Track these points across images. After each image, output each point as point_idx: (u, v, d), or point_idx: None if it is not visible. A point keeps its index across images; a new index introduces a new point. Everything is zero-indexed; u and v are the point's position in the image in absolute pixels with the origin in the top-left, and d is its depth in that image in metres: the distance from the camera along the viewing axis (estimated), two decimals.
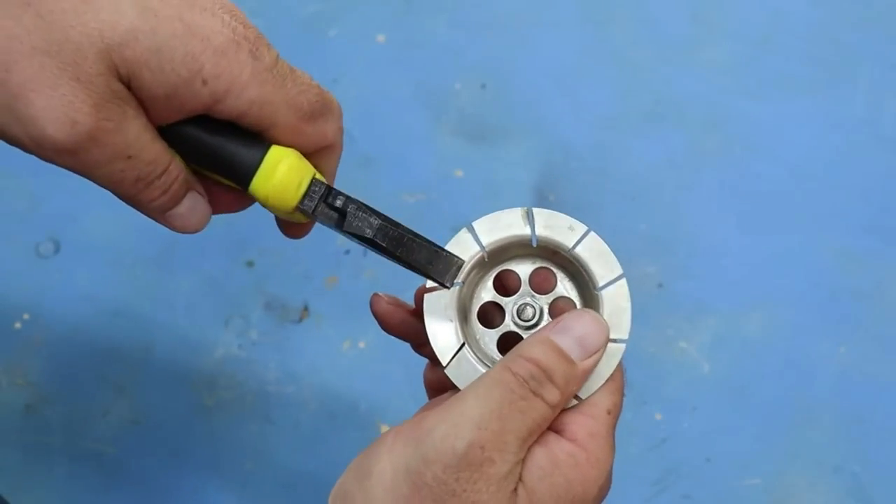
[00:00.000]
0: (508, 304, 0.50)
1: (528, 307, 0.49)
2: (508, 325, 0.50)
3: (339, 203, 0.49)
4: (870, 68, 0.93)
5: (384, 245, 0.49)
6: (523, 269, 0.50)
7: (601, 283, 0.49)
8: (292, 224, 0.53)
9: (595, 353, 0.46)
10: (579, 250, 0.49)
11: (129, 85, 0.45)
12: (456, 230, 0.51)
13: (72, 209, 0.86)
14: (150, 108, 0.46)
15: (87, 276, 0.85)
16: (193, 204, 0.49)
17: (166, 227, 0.50)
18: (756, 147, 0.90)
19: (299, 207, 0.48)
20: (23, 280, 0.84)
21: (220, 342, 0.83)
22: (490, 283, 0.50)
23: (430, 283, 0.49)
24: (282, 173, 0.48)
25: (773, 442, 0.80)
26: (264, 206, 0.49)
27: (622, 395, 0.47)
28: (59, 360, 0.82)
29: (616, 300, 0.48)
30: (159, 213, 0.49)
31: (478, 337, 0.50)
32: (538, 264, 0.50)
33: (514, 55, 0.94)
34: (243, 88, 0.46)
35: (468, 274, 0.49)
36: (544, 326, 0.47)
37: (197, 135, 0.47)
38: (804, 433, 0.80)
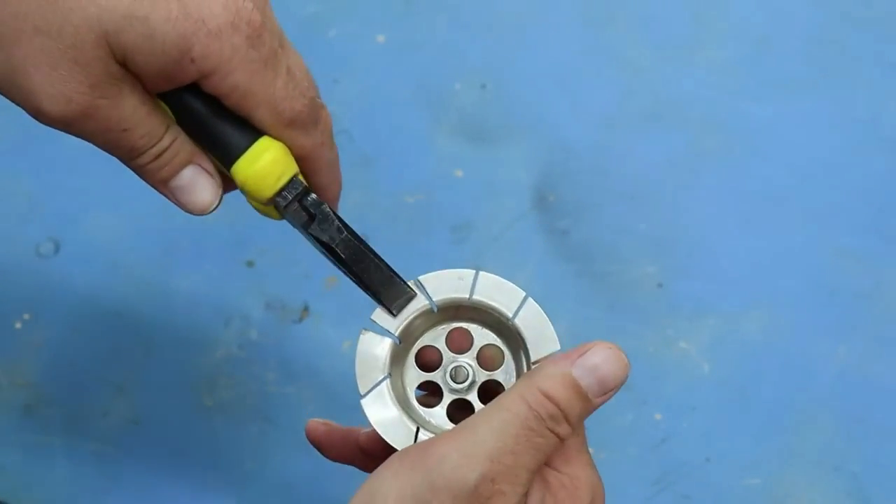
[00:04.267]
0: (449, 358, 0.50)
1: (462, 369, 0.49)
2: (438, 375, 0.49)
3: (311, 207, 0.50)
4: (870, 68, 0.93)
5: (344, 257, 0.49)
6: (477, 335, 0.50)
7: (510, 313, 0.48)
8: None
9: (611, 391, 0.45)
10: (478, 293, 0.49)
11: (124, 64, 0.46)
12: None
13: (72, 209, 0.86)
14: (145, 81, 0.47)
15: (87, 276, 0.85)
16: (195, 176, 0.50)
17: (176, 204, 0.51)
18: (756, 147, 0.90)
19: (274, 199, 0.49)
20: (23, 280, 0.84)
21: (220, 342, 0.83)
22: (413, 366, 0.50)
23: (375, 313, 0.49)
24: (265, 161, 0.48)
25: (773, 442, 0.80)
26: (242, 189, 0.50)
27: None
28: (59, 360, 0.82)
29: (533, 320, 0.48)
30: (161, 185, 0.50)
31: (405, 371, 0.50)
32: (448, 326, 0.50)
33: (514, 55, 0.94)
34: (229, 72, 0.47)
35: (413, 321, 0.49)
36: (566, 354, 0.46)
37: (195, 107, 0.48)
38: (804, 433, 0.80)
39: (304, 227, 0.50)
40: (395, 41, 0.95)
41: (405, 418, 0.47)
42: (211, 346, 0.82)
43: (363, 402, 0.48)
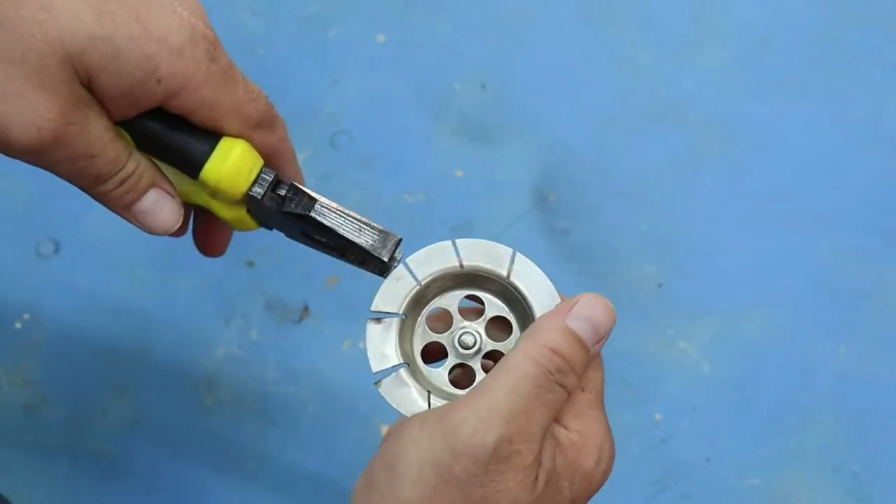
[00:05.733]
0: (459, 323, 0.50)
1: (469, 335, 0.50)
2: (447, 338, 0.50)
3: (284, 191, 0.50)
4: (870, 68, 0.93)
5: (322, 221, 0.49)
6: (448, 302, 0.51)
7: (504, 272, 0.50)
8: (211, 235, 0.56)
9: (604, 337, 0.47)
10: (466, 263, 0.50)
11: (89, 87, 0.46)
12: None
13: (72, 209, 0.86)
14: (109, 105, 0.47)
15: (87, 276, 0.85)
16: (157, 199, 0.51)
17: (138, 227, 0.51)
18: (756, 147, 0.90)
19: (249, 193, 0.50)
20: (23, 280, 0.85)
21: (220, 342, 0.83)
22: (423, 325, 0.51)
23: (372, 308, 0.50)
24: (235, 157, 0.49)
25: (773, 442, 0.80)
26: (214, 193, 0.50)
27: (595, 368, 0.48)
28: (59, 360, 0.82)
29: (529, 276, 0.49)
30: (123, 209, 0.51)
31: (416, 326, 0.51)
32: (463, 292, 0.51)
33: (514, 55, 0.94)
34: (197, 87, 0.47)
35: (437, 280, 0.50)
36: (557, 308, 0.48)
37: (152, 126, 0.49)
38: (804, 433, 0.80)
39: (279, 210, 0.50)
40: (395, 41, 0.95)
41: (395, 355, 0.49)
42: (211, 346, 0.82)
43: (381, 388, 0.49)
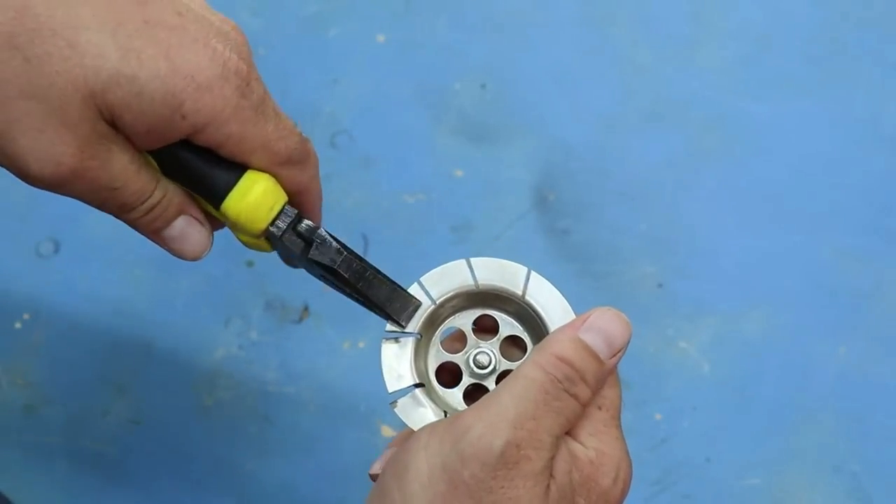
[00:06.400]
0: (460, 358, 0.50)
1: (483, 355, 0.50)
2: (461, 358, 0.50)
3: (306, 232, 0.50)
4: (870, 68, 0.93)
5: (346, 276, 0.49)
6: (463, 322, 0.51)
7: (519, 291, 0.49)
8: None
9: (619, 350, 0.47)
10: (482, 282, 0.50)
11: (112, 124, 0.46)
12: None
13: (72, 209, 0.86)
14: (134, 140, 0.47)
15: (87, 276, 0.85)
16: (186, 227, 0.51)
17: (169, 252, 0.52)
18: (756, 147, 0.90)
19: (269, 229, 0.50)
20: (23, 280, 0.84)
21: (220, 342, 0.83)
22: (437, 346, 0.51)
23: (387, 328, 0.50)
24: (257, 193, 0.49)
25: (773, 442, 0.80)
26: (234, 226, 0.50)
27: (612, 386, 0.48)
28: (59, 360, 0.82)
29: (544, 295, 0.49)
30: (153, 234, 0.51)
31: (431, 346, 0.51)
32: (476, 312, 0.51)
33: (514, 55, 0.94)
34: (223, 123, 0.47)
35: (452, 299, 0.50)
36: (570, 322, 0.48)
37: (179, 155, 0.49)
38: (804, 433, 0.80)
39: (303, 255, 0.50)
40: (395, 41, 0.95)
41: (410, 375, 0.49)
42: (211, 346, 0.82)
43: (397, 409, 0.49)
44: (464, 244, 0.85)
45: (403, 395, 0.49)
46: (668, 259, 0.86)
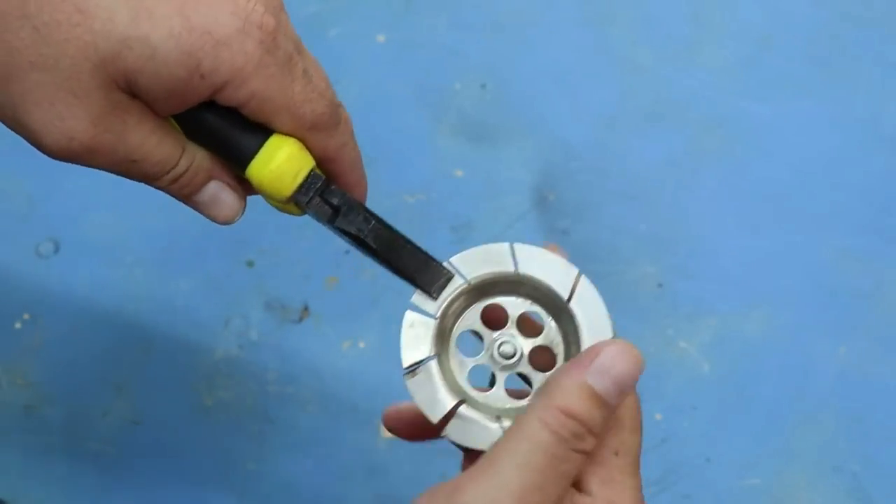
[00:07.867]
0: (490, 337, 0.49)
1: (507, 344, 0.48)
2: (484, 357, 0.49)
3: (334, 199, 0.48)
4: (870, 68, 0.93)
5: (374, 246, 0.48)
6: (511, 306, 0.49)
7: (565, 295, 0.48)
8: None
9: (629, 390, 0.44)
10: (522, 267, 0.48)
11: (129, 91, 0.44)
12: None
13: (72, 209, 0.86)
14: (154, 106, 0.45)
15: (87, 276, 0.85)
16: (217, 192, 0.49)
17: (203, 215, 0.50)
18: (756, 147, 0.90)
19: (294, 197, 0.48)
20: (23, 280, 0.84)
21: (219, 342, 0.83)
22: (478, 312, 0.49)
23: (414, 297, 0.48)
24: (280, 160, 0.47)
25: (773, 442, 0.80)
26: (259, 192, 0.49)
27: (634, 431, 0.45)
28: (59, 359, 0.82)
29: (588, 304, 0.47)
30: (184, 199, 0.49)
31: (451, 357, 0.49)
32: (479, 305, 0.49)
33: (514, 55, 0.94)
34: (244, 80, 0.44)
35: (451, 304, 0.48)
36: (576, 360, 0.44)
37: (204, 118, 0.47)
38: (804, 433, 0.80)
39: (330, 223, 0.48)
40: (395, 41, 0.95)
41: (448, 396, 0.46)
42: (211, 346, 0.82)
43: (452, 436, 0.47)
44: (464, 244, 0.84)
45: (450, 419, 0.46)
46: (668, 259, 0.86)
